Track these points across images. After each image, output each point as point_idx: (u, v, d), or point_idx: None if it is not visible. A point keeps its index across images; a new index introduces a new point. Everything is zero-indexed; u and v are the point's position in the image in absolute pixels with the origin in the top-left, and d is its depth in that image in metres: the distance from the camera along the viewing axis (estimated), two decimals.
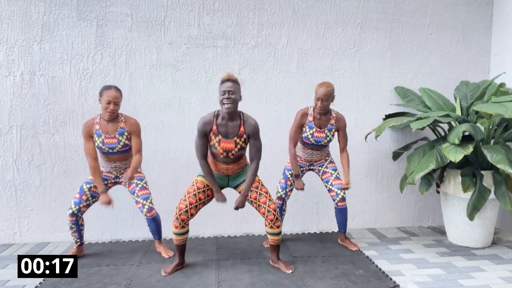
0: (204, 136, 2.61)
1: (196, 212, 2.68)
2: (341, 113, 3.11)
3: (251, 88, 3.58)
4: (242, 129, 2.60)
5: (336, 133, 3.10)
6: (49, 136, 3.42)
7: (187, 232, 2.71)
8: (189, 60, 3.53)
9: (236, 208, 2.63)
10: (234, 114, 2.59)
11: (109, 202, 2.77)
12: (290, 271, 2.71)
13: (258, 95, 3.61)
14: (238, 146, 2.62)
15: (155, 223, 2.96)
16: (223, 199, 2.69)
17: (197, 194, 2.67)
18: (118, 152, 2.84)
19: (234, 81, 2.55)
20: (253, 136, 2.61)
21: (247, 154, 2.85)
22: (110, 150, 2.82)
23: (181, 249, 2.75)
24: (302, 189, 3.05)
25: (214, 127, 2.59)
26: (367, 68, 3.75)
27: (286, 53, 3.64)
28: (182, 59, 3.52)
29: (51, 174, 3.44)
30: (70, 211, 2.84)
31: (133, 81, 3.48)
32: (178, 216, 2.62)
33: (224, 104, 2.52)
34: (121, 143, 2.82)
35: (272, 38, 3.61)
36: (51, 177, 3.44)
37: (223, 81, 2.55)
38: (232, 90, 2.51)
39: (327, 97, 2.89)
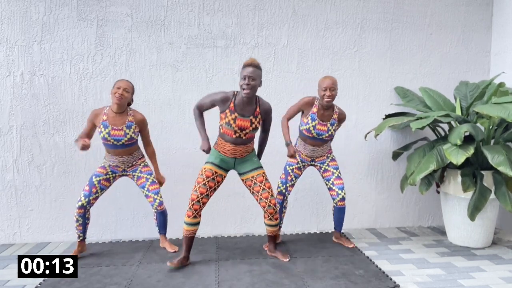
0: (212, 105, 2.75)
1: (208, 200, 2.80)
2: (343, 110, 3.20)
3: None
4: (258, 109, 2.74)
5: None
6: (49, 136, 3.42)
7: (198, 223, 2.81)
8: (189, 60, 3.53)
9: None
10: (251, 99, 2.68)
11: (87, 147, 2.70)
12: (287, 260, 2.87)
13: (258, 95, 3.59)
14: (253, 125, 2.72)
15: (163, 217, 3.08)
16: (207, 147, 2.71)
17: (206, 183, 2.76)
18: (123, 145, 2.88)
19: (256, 67, 2.60)
20: (268, 117, 2.83)
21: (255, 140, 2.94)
22: (116, 142, 2.86)
23: (189, 241, 2.84)
24: (294, 155, 2.92)
25: (231, 105, 2.68)
26: (367, 68, 3.75)
27: (286, 53, 3.64)
28: (182, 59, 3.52)
29: (51, 174, 3.44)
30: (80, 203, 2.89)
31: (133, 81, 3.47)
32: (191, 206, 2.73)
33: (243, 89, 2.59)
34: (128, 136, 2.87)
35: (272, 38, 3.61)
36: (51, 177, 3.44)
37: (245, 66, 2.60)
38: (252, 76, 2.57)
39: (335, 86, 2.95)
